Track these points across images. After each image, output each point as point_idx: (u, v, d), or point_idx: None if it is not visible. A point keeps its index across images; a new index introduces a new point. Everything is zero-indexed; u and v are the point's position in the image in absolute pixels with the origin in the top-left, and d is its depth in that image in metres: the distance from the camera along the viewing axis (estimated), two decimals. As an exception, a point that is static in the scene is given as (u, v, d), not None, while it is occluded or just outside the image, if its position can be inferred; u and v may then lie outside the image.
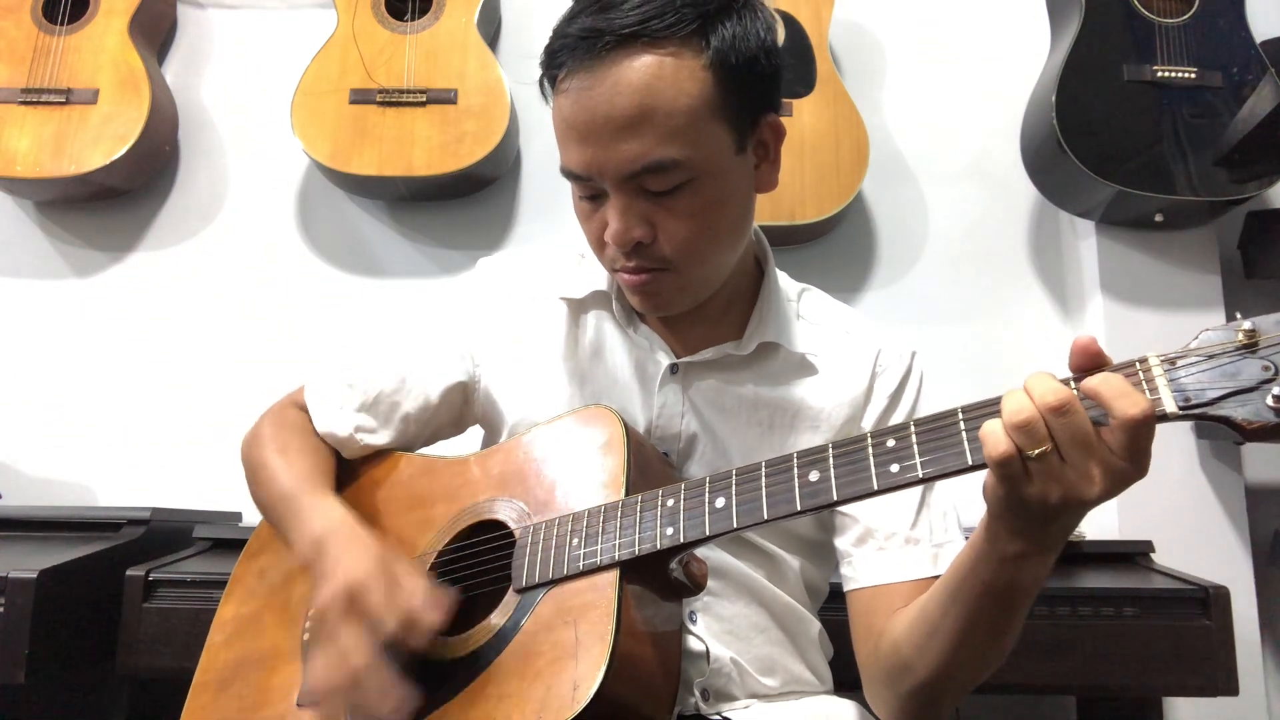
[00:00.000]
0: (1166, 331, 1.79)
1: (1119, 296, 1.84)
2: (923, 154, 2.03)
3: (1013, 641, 0.80)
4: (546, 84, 0.87)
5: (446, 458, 0.99)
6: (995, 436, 0.64)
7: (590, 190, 0.87)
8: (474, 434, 1.09)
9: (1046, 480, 0.64)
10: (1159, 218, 1.78)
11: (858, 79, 2.04)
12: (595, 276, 1.00)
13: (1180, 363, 0.63)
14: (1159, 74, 1.73)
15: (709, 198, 0.86)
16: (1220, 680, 1.29)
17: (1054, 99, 1.71)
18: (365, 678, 0.76)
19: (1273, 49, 1.76)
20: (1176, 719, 1.65)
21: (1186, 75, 1.73)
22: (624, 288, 0.92)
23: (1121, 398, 0.62)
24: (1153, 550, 1.47)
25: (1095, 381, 0.63)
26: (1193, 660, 1.29)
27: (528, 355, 1.01)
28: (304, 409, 1.06)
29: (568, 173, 0.86)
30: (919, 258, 2.00)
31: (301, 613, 0.95)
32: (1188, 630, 1.30)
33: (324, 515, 0.90)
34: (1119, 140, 1.71)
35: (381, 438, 1.03)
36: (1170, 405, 0.63)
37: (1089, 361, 0.66)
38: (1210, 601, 1.31)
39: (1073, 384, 0.66)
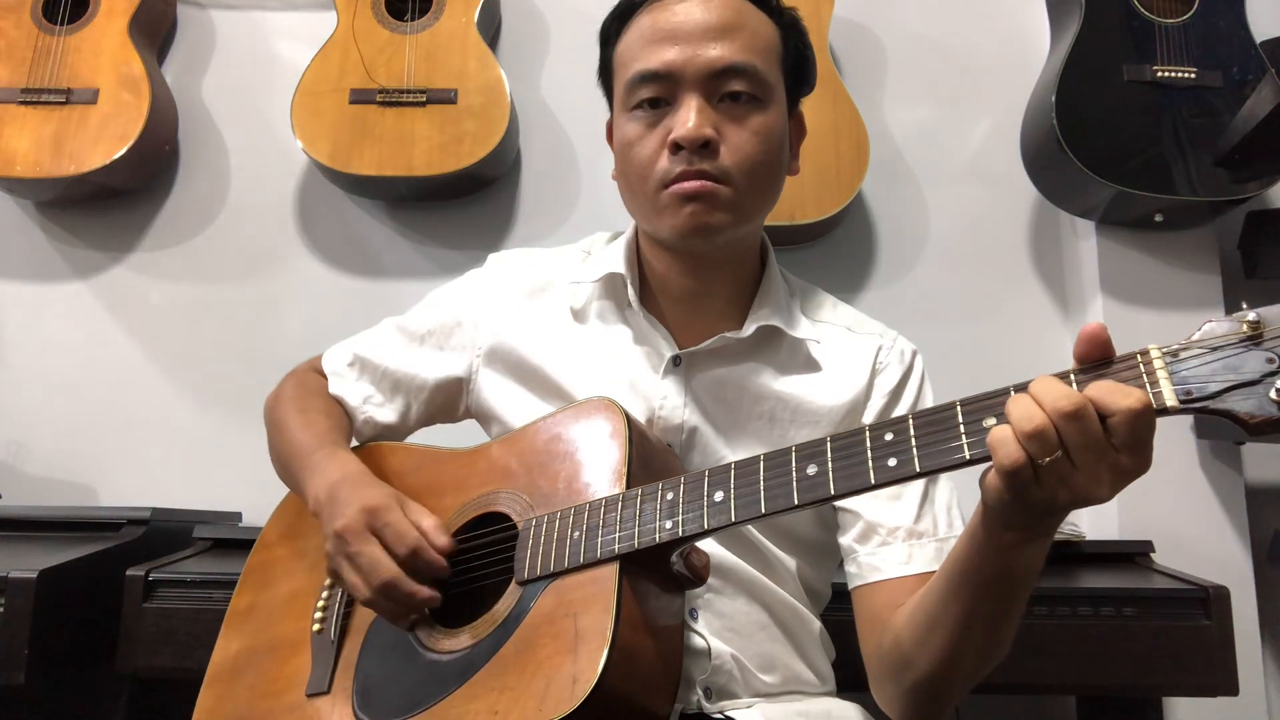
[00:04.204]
0: (1166, 331, 1.76)
1: (1119, 296, 1.84)
2: (923, 154, 2.03)
3: (1013, 633, 0.80)
4: (615, 23, 0.97)
5: (455, 449, 1.00)
6: (1007, 445, 0.63)
7: (660, 92, 0.91)
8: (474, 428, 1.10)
9: (1056, 484, 0.64)
10: (1159, 218, 1.77)
11: (858, 79, 2.04)
12: (608, 264, 1.01)
13: (1183, 355, 0.62)
14: (1159, 74, 1.73)
15: (770, 125, 0.93)
16: (1220, 680, 1.29)
17: (1054, 99, 1.71)
18: (391, 590, 0.83)
19: (1273, 49, 1.76)
20: (1176, 719, 1.65)
21: (1186, 75, 1.73)
22: (674, 202, 0.91)
23: (1114, 393, 0.62)
24: (1153, 550, 1.47)
25: (1087, 387, 0.63)
26: (1193, 660, 1.29)
27: (531, 349, 1.02)
28: (322, 374, 1.11)
29: (643, 76, 0.91)
30: (919, 258, 2.00)
31: (311, 603, 0.96)
32: (1188, 630, 1.30)
33: (340, 465, 0.94)
34: (1119, 140, 1.71)
35: (387, 413, 1.07)
36: (1171, 399, 0.61)
37: (1096, 350, 0.65)
38: (1210, 601, 1.31)
39: (1074, 380, 0.65)
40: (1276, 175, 1.70)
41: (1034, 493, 0.64)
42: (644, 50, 0.92)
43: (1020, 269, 1.99)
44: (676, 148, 0.89)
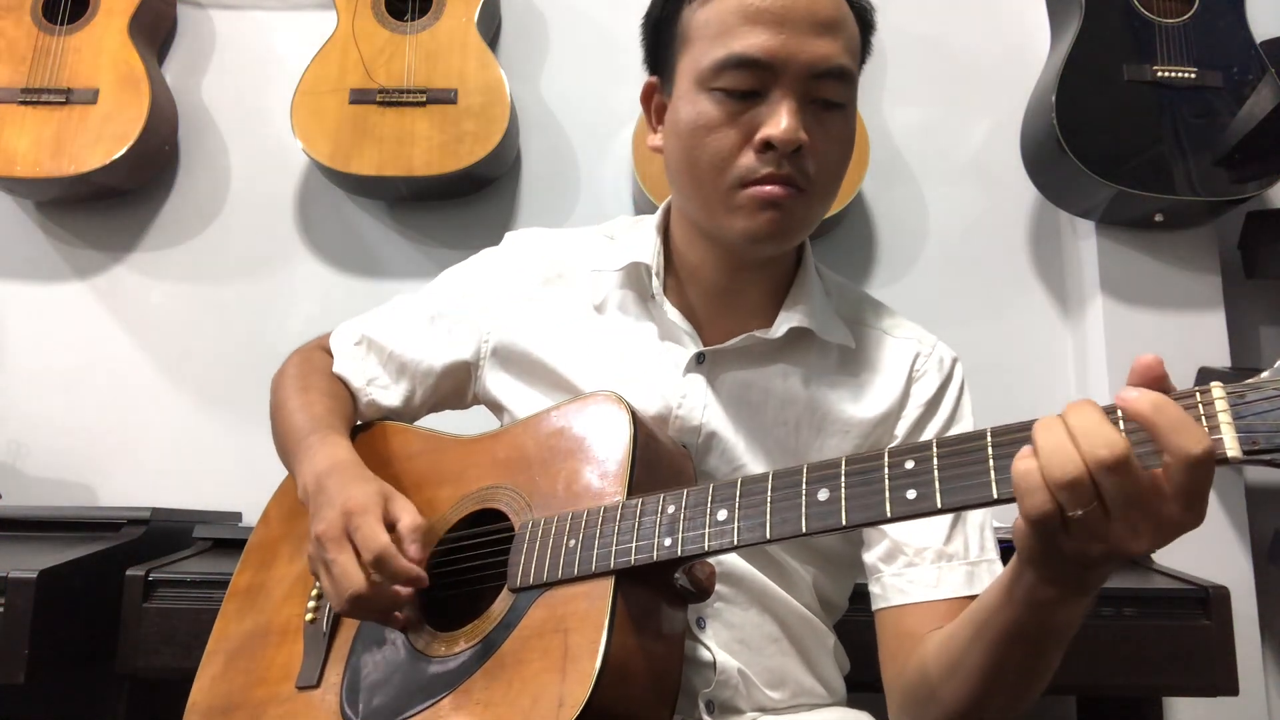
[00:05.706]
0: (1166, 331, 1.79)
1: (1119, 296, 1.84)
2: (923, 154, 2.03)
3: (1046, 682, 0.74)
4: None
5: (457, 437, 0.98)
6: (1035, 493, 0.56)
7: (751, 84, 0.83)
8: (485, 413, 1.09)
9: (1089, 538, 0.57)
10: (1159, 218, 1.78)
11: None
12: (632, 251, 0.96)
13: (1250, 396, 0.53)
14: (1159, 74, 1.73)
15: (849, 132, 0.89)
16: (1220, 680, 1.28)
17: (1054, 99, 1.71)
18: (359, 603, 0.79)
19: (1273, 49, 1.76)
20: (1176, 719, 1.65)
21: (1186, 75, 1.73)
22: (753, 204, 0.84)
23: (1179, 431, 0.53)
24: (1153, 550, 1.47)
25: (1146, 407, 0.54)
26: (1193, 660, 1.29)
27: (541, 344, 0.98)
28: (330, 353, 1.08)
29: (739, 60, 0.82)
30: (919, 258, 2.00)
31: (306, 590, 0.95)
32: (1188, 630, 1.30)
33: (331, 453, 0.91)
34: (1119, 140, 1.71)
35: (391, 396, 1.04)
36: (1233, 448, 0.52)
37: (1153, 386, 0.57)
38: (1210, 601, 1.31)
39: (1120, 419, 0.57)
40: (1276, 175, 1.70)
41: (1064, 545, 0.58)
42: (741, 28, 0.82)
43: (1020, 269, 1.99)
44: (766, 147, 0.82)
